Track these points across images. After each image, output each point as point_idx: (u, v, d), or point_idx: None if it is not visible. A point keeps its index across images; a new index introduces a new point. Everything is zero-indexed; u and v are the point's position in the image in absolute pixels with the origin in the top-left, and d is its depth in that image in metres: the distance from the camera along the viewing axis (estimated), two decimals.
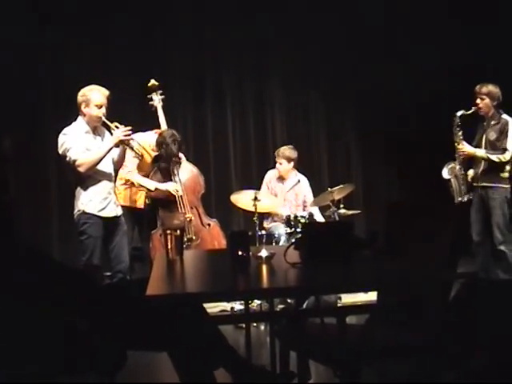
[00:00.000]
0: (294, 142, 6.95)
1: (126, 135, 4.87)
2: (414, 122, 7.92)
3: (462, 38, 7.89)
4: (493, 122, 5.83)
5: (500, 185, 5.77)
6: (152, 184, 5.80)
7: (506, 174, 5.79)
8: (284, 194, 6.59)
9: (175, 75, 7.75)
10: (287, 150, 6.58)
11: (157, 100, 6.12)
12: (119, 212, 5.14)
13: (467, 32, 7.84)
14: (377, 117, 8.25)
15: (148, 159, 5.85)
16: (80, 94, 4.93)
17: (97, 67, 7.14)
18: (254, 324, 4.98)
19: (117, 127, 4.92)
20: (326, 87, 8.32)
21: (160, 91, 6.15)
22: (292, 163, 6.57)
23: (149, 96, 6.14)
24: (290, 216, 5.95)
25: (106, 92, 4.96)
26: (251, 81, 8.15)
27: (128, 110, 6.99)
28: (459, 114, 5.96)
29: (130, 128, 4.92)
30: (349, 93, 8.31)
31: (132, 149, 5.00)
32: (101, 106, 4.90)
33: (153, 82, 6.15)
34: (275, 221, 6.39)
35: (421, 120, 7.85)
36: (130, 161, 5.53)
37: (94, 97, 4.89)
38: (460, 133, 5.96)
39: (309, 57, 8.14)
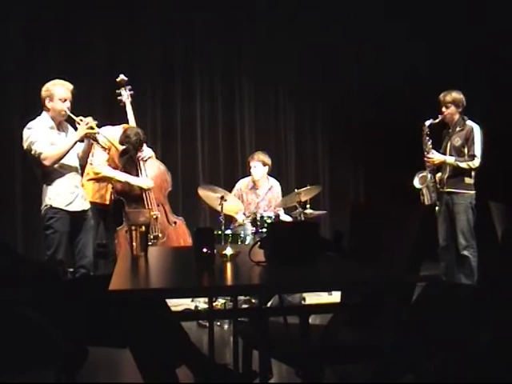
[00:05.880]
0: (262, 142, 6.98)
1: (90, 128, 4.83)
2: (383, 124, 8.00)
3: (431, 49, 8.03)
4: (458, 129, 5.91)
5: (465, 191, 5.83)
6: (123, 176, 5.70)
7: (471, 180, 5.85)
8: (257, 203, 6.49)
9: (144, 71, 7.72)
10: (262, 154, 6.48)
11: (125, 95, 6.05)
12: (87, 206, 5.10)
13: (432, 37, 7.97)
14: (345, 118, 8.33)
15: (116, 153, 5.77)
16: (44, 88, 4.90)
17: (65, 62, 7.08)
18: (218, 323, 4.99)
19: (82, 121, 4.88)
20: (295, 88, 8.37)
21: (129, 87, 6.08)
22: (267, 168, 6.47)
23: (117, 91, 6.08)
24: (256, 216, 5.93)
25: (70, 86, 4.93)
26: (221, 79, 8.17)
27: (97, 106, 6.95)
28: (428, 123, 5.99)
29: (95, 123, 4.87)
30: (318, 94, 8.37)
31: (98, 142, 4.96)
32: (65, 100, 4.87)
33: (121, 77, 6.09)
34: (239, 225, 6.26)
35: (390, 122, 7.93)
36: (99, 155, 5.48)
37: (58, 91, 4.86)
38: (429, 142, 6.00)
39: (279, 56, 8.17)
